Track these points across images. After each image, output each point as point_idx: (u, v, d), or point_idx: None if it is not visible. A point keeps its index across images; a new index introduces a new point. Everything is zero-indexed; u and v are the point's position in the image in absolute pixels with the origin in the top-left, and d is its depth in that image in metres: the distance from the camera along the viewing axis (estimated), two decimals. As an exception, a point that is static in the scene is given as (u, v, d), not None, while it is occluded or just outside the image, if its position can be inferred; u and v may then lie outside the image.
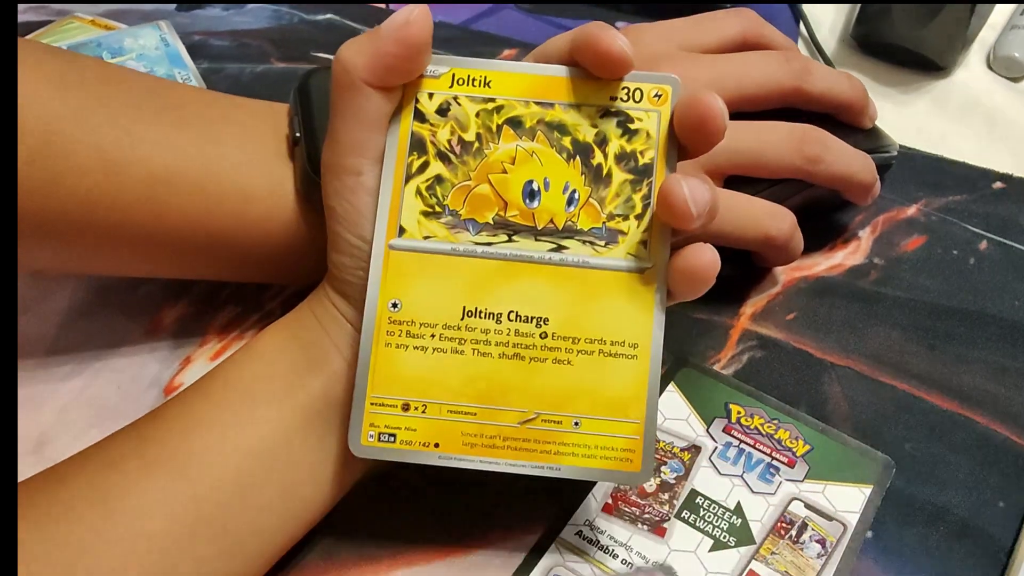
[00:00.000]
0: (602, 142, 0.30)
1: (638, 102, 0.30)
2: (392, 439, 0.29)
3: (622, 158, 0.30)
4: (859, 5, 0.54)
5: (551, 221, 0.30)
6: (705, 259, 0.29)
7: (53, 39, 0.56)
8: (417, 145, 0.30)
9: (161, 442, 0.29)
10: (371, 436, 0.29)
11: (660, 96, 0.30)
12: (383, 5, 0.58)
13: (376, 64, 0.28)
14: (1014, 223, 0.45)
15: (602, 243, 0.30)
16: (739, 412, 0.36)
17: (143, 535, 0.27)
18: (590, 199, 0.30)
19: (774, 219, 0.38)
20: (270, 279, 0.40)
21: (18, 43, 0.35)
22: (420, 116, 0.30)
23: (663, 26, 0.40)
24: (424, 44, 0.29)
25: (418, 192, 0.30)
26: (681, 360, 0.38)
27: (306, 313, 0.32)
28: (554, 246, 0.30)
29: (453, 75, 0.30)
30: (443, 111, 0.30)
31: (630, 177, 0.30)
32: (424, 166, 0.30)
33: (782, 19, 0.60)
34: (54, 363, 0.39)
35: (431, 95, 0.30)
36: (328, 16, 0.57)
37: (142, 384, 0.38)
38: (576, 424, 0.29)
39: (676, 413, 0.36)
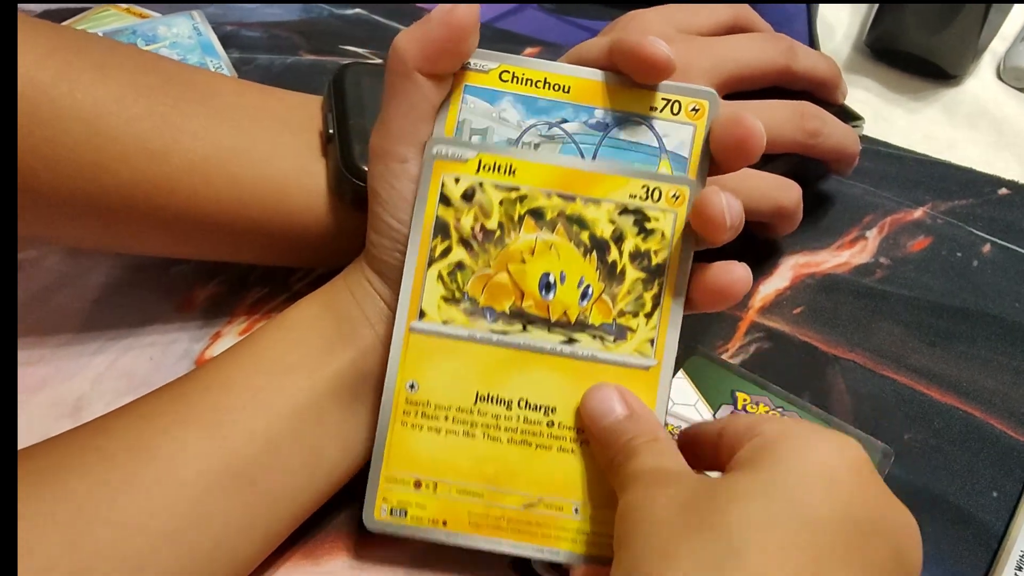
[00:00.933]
0: (619, 239, 0.31)
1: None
2: (403, 515, 0.31)
3: (636, 256, 0.31)
4: (873, 14, 0.56)
5: (564, 314, 0.31)
6: (735, 275, 0.31)
7: (88, 26, 0.57)
8: (441, 229, 0.31)
9: (195, 401, 0.31)
10: (384, 511, 0.31)
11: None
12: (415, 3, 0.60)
13: (426, 49, 0.30)
14: (1017, 228, 0.46)
15: (611, 338, 0.31)
16: (745, 399, 0.38)
17: (175, 482, 0.29)
18: (603, 295, 0.31)
19: (783, 190, 0.41)
20: (300, 264, 0.42)
21: (60, 30, 0.37)
22: (446, 200, 0.31)
23: (663, 10, 0.42)
24: (469, 28, 0.30)
25: (440, 277, 0.31)
26: (691, 348, 0.40)
27: (341, 288, 0.34)
28: (566, 339, 0.31)
29: (480, 161, 0.31)
30: (468, 196, 0.31)
31: (642, 276, 0.31)
32: (447, 251, 0.31)
33: (797, 23, 0.62)
34: (88, 336, 0.41)
35: (457, 180, 0.31)
36: (356, 10, 0.59)
37: (173, 356, 0.40)
38: (576, 511, 0.30)
39: (685, 399, 0.38)
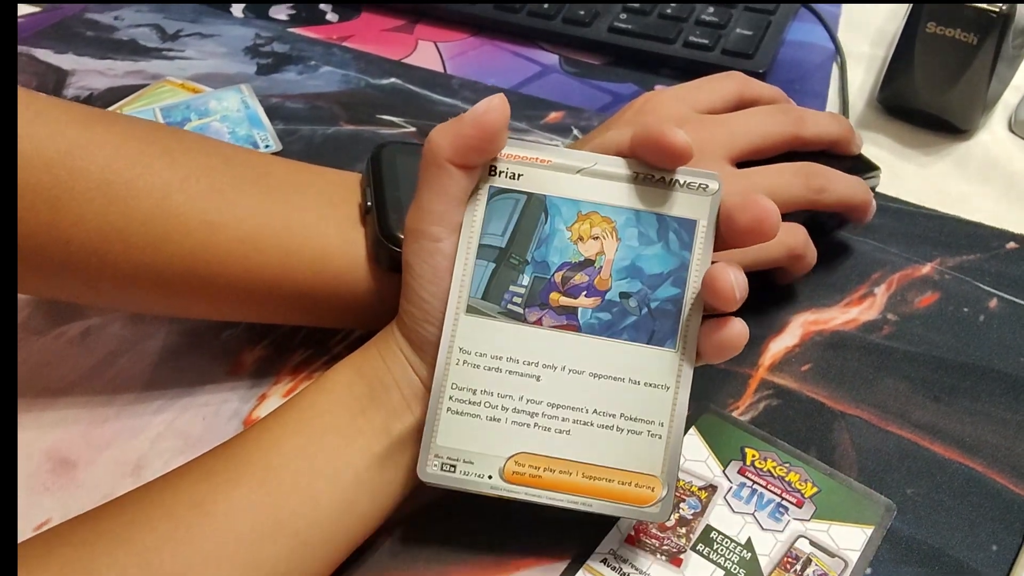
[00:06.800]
0: None
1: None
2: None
3: None
4: (884, 71, 0.58)
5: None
6: (735, 331, 0.34)
7: (147, 100, 0.62)
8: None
9: (246, 460, 0.35)
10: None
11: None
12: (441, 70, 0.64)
13: (458, 145, 0.33)
14: (1024, 282, 0.48)
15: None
16: (754, 455, 0.40)
17: (231, 533, 0.33)
18: None
19: (790, 235, 0.44)
20: (341, 325, 0.46)
21: (133, 122, 0.41)
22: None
23: (676, 91, 0.46)
24: (500, 129, 0.33)
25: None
26: (703, 406, 0.42)
27: (373, 352, 0.37)
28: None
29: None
30: None
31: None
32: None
33: (816, 78, 0.64)
34: (148, 398, 0.45)
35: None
36: (392, 80, 0.63)
37: (224, 417, 0.44)
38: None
39: (696, 455, 0.40)
